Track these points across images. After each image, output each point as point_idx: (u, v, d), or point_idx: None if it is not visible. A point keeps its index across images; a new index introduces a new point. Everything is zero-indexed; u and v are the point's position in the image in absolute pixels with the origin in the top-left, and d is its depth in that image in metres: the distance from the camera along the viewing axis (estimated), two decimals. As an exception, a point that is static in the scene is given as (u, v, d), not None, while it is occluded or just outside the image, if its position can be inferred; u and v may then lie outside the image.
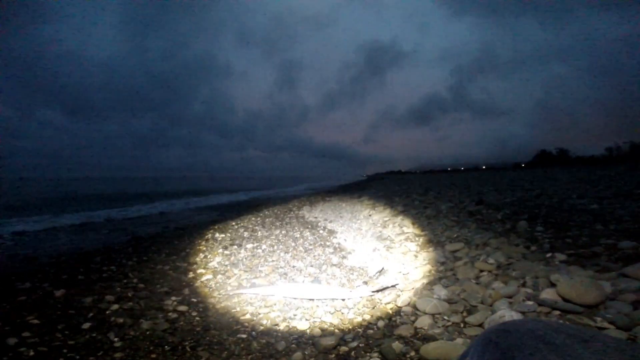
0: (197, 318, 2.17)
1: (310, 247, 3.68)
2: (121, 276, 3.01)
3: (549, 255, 2.18)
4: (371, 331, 1.87)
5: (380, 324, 1.92)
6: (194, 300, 2.45)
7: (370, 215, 5.65)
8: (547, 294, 1.65)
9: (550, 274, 1.84)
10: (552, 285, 1.74)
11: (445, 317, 1.82)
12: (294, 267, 3.05)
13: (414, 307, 2.01)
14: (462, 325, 1.75)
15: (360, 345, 1.75)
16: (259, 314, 2.16)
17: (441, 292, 2.08)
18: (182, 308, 2.31)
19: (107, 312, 2.23)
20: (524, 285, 1.85)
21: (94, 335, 1.95)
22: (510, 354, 0.63)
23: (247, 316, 2.14)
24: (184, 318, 2.17)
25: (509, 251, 2.46)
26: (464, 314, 1.82)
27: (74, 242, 5.29)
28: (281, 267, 3.05)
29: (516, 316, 1.53)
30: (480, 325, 1.67)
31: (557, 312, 1.54)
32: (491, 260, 2.36)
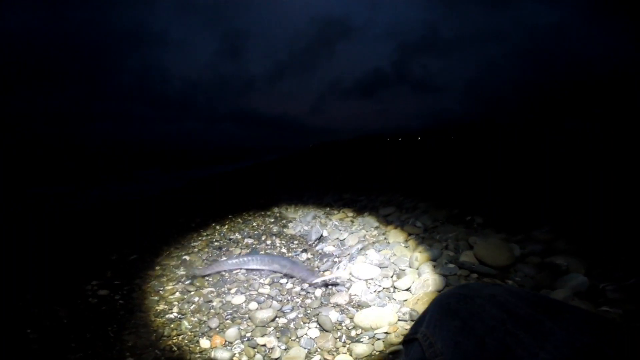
0: (121, 301, 1.99)
1: (249, 218, 3.58)
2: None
3: (469, 218, 2.41)
4: (309, 300, 1.90)
5: (318, 292, 1.95)
6: (117, 282, 2.22)
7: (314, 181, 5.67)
8: (466, 257, 1.83)
9: (468, 236, 2.04)
10: (471, 247, 1.93)
11: (377, 283, 1.92)
12: (230, 239, 2.94)
13: (350, 273, 2.08)
14: (391, 290, 1.87)
15: (299, 315, 1.77)
16: (190, 291, 2.05)
17: (374, 256, 2.18)
18: (104, 292, 2.09)
19: (20, 303, 1.93)
20: (446, 248, 2.03)
21: (6, 329, 1.70)
22: (471, 324, 0.55)
23: (177, 294, 2.02)
24: (106, 302, 1.97)
25: (435, 214, 2.66)
26: (394, 278, 1.94)
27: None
28: (216, 241, 2.92)
29: (439, 279, 1.67)
30: (408, 289, 1.80)
31: (475, 275, 1.72)
32: (419, 224, 2.53)
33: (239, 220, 3.51)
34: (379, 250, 2.28)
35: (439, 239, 2.18)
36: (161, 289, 2.10)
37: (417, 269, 1.90)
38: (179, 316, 1.81)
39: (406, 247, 2.25)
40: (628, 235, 1.85)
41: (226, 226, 3.30)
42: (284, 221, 3.47)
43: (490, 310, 0.55)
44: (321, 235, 2.88)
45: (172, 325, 1.72)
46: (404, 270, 1.97)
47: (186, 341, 1.61)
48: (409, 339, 0.67)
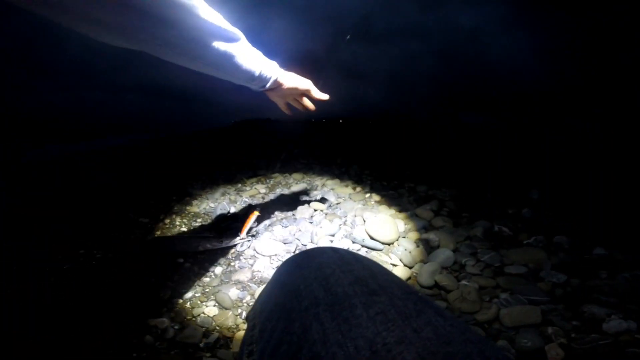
0: None
1: (147, 197, 3.24)
2: None
3: (367, 196, 2.64)
4: (208, 279, 1.84)
5: (218, 270, 1.91)
6: None
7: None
8: (359, 232, 2.01)
9: (364, 212, 2.24)
10: (365, 223, 2.12)
11: (279, 259, 1.97)
12: (122, 218, 2.63)
13: (254, 249, 2.09)
14: (291, 264, 1.95)
15: (197, 295, 1.71)
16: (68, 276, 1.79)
17: (280, 232, 2.22)
18: None
19: None
20: (344, 223, 2.20)
21: None
22: (288, 303, 0.45)
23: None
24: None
25: (340, 192, 2.84)
26: (296, 252, 2.02)
27: None
28: (105, 219, 2.58)
29: (333, 252, 1.80)
30: (306, 262, 1.90)
31: (365, 250, 1.90)
32: (324, 201, 2.66)
33: (135, 196, 3.15)
34: (285, 227, 2.33)
35: (340, 214, 2.34)
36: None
37: (316, 243, 2.01)
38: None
39: (311, 222, 2.36)
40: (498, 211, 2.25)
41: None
42: (188, 198, 3.25)
43: (311, 285, 0.45)
44: (228, 212, 2.79)
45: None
46: (305, 245, 2.06)
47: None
48: (245, 317, 0.54)
